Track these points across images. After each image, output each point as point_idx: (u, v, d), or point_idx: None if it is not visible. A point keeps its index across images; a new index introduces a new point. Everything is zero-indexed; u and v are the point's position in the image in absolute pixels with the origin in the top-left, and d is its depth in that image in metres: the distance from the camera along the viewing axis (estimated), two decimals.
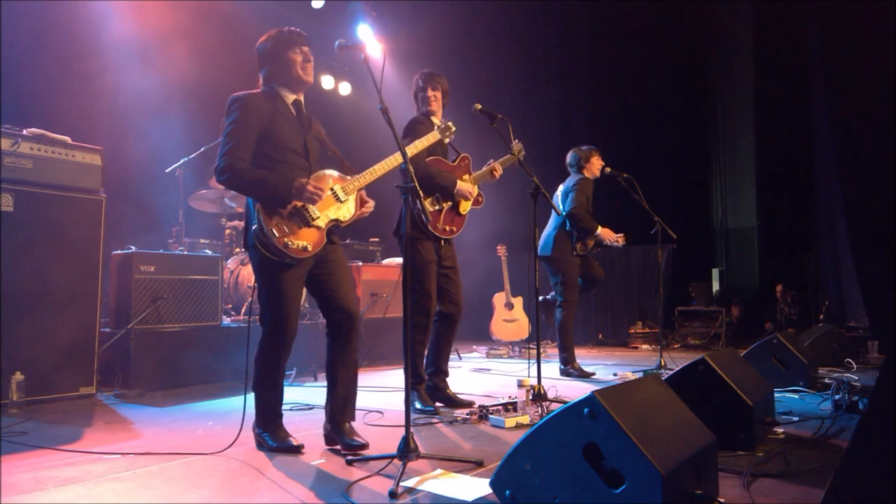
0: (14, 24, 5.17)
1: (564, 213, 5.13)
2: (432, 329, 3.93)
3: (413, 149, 3.33)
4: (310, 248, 2.74)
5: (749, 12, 8.62)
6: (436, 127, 3.59)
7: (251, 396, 2.88)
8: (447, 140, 3.66)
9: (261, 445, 2.81)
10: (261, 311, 2.79)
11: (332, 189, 2.83)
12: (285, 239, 2.67)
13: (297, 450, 2.73)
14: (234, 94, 2.77)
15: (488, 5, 8.89)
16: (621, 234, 5.41)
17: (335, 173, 2.89)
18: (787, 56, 7.79)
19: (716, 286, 8.42)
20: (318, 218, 2.77)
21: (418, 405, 3.72)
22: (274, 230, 2.65)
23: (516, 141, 4.12)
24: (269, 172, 2.69)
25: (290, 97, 2.87)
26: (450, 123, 3.59)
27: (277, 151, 2.75)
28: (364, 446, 2.69)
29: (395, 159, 2.92)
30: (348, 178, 2.89)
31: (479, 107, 3.76)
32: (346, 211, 2.88)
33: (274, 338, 2.76)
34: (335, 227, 2.87)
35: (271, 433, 2.79)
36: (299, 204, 2.72)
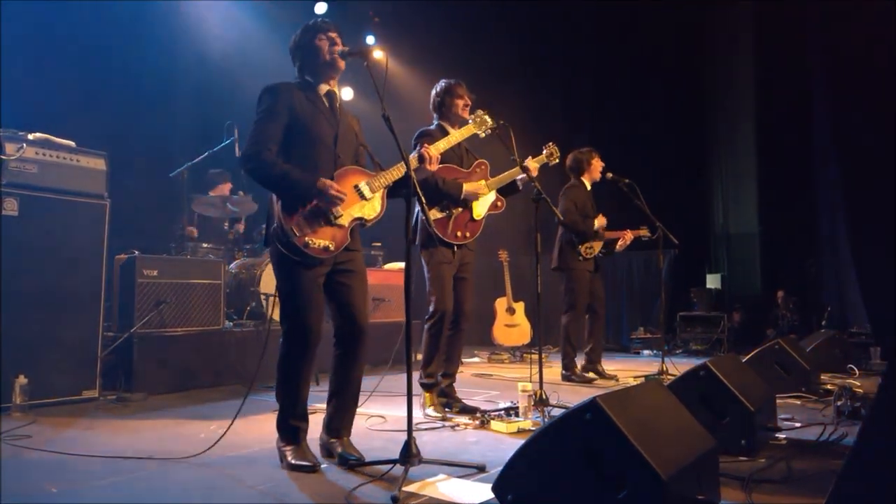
0: (18, 28, 5.20)
1: (558, 223, 5.19)
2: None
3: (445, 143, 3.22)
4: (331, 247, 2.64)
5: (750, 15, 8.62)
6: (470, 120, 3.49)
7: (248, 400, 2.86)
8: (483, 134, 3.50)
9: (281, 461, 2.67)
10: (280, 312, 2.69)
11: (356, 186, 2.72)
12: (306, 238, 2.57)
13: (311, 469, 2.56)
14: (267, 84, 2.72)
15: (490, 8, 8.91)
16: (627, 230, 5.43)
17: (362, 169, 2.80)
18: (789, 60, 7.79)
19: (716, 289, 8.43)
20: (341, 216, 2.66)
21: (430, 409, 3.72)
22: (294, 229, 2.56)
23: (551, 144, 4.11)
24: (293, 168, 2.60)
25: (324, 88, 2.80)
26: (486, 116, 3.47)
27: (306, 142, 2.68)
28: (360, 461, 2.62)
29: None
30: (374, 174, 2.78)
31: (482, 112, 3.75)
32: (370, 209, 2.75)
33: (294, 340, 2.65)
34: (359, 226, 2.76)
35: (292, 449, 2.65)
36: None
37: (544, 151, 4.09)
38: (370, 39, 8.35)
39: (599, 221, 5.30)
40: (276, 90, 2.69)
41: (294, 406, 2.69)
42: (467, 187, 3.79)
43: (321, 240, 2.62)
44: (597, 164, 5.42)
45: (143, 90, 6.04)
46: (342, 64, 2.80)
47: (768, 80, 8.38)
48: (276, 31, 6.48)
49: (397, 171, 2.76)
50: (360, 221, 2.74)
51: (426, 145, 2.88)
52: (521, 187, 3.99)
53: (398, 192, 2.83)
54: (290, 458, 2.61)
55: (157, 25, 6.40)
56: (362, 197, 2.73)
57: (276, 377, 2.71)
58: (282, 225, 2.57)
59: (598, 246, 5.36)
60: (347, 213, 2.69)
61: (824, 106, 7.08)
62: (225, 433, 2.86)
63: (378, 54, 7.35)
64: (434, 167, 2.87)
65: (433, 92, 3.99)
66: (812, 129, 7.84)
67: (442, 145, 3.15)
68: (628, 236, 5.46)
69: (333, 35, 2.78)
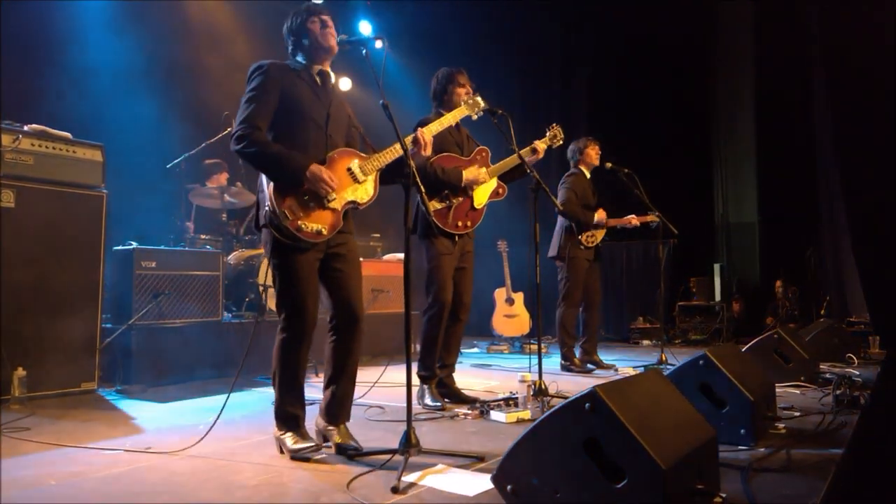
0: (15, 21, 5.15)
1: (559, 211, 5.17)
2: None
3: (437, 126, 3.16)
4: (325, 231, 2.62)
5: (751, 7, 8.58)
6: (462, 102, 3.46)
7: (251, 393, 2.85)
8: (475, 116, 3.47)
9: (281, 451, 2.65)
10: (277, 297, 2.67)
11: (349, 168, 2.70)
12: (299, 222, 2.55)
13: (316, 450, 2.57)
14: (257, 62, 2.69)
15: (489, 1, 8.86)
16: (632, 216, 5.44)
17: (354, 152, 2.77)
18: (790, 49, 7.76)
19: (717, 281, 8.42)
20: (334, 200, 2.64)
21: (428, 400, 3.71)
22: (287, 212, 2.54)
23: (555, 125, 4.09)
24: (284, 150, 2.57)
25: (316, 68, 2.78)
26: (478, 98, 3.44)
27: (297, 122, 2.66)
28: (358, 451, 2.62)
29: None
30: (367, 156, 2.76)
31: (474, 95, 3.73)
32: (363, 192, 2.74)
33: (292, 325, 2.63)
34: (352, 210, 2.74)
35: (291, 436, 2.63)
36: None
37: (548, 133, 4.08)
38: (366, 26, 8.27)
39: (599, 215, 5.27)
40: (267, 68, 2.66)
41: (292, 393, 2.68)
42: (467, 174, 3.76)
43: (314, 223, 2.60)
44: (591, 152, 5.39)
45: (142, 82, 6.00)
46: (334, 44, 2.76)
47: (769, 69, 8.35)
48: (272, 20, 6.43)
49: (391, 153, 2.75)
50: (354, 205, 2.72)
51: (420, 130, 2.86)
52: (528, 170, 3.93)
53: (395, 178, 2.81)
54: (290, 444, 2.60)
55: (153, 16, 6.35)
56: (355, 180, 2.71)
57: (273, 365, 2.69)
58: (274, 208, 2.54)
59: (600, 234, 5.35)
60: (341, 197, 2.66)
61: (825, 97, 7.06)
62: (214, 423, 2.83)
63: (377, 43, 7.31)
64: (428, 151, 2.84)
65: (433, 80, 3.96)
66: (812, 117, 7.82)
67: (434, 127, 3.10)
68: (634, 221, 5.45)
69: (325, 17, 2.76)
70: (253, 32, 6.96)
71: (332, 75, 2.85)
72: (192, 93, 6.48)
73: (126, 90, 5.81)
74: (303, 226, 2.57)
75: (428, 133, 2.88)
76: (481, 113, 3.46)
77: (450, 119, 3.33)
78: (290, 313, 2.64)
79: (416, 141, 2.80)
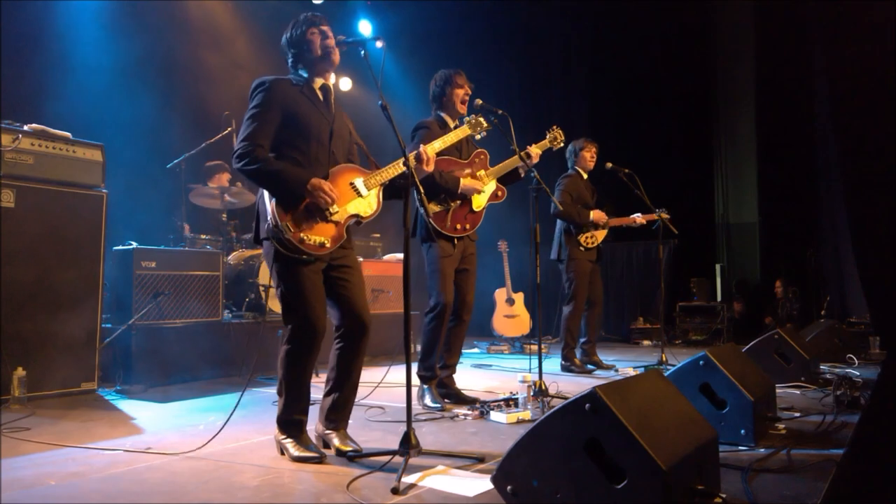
0: (16, 21, 5.16)
1: (553, 213, 5.18)
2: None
3: (441, 143, 3.17)
4: (327, 243, 2.61)
5: (751, 6, 8.59)
6: (465, 122, 3.49)
7: (249, 395, 2.84)
8: (479, 136, 3.53)
9: (282, 453, 2.65)
10: (284, 310, 2.64)
11: (352, 183, 2.72)
12: (301, 234, 2.55)
13: (319, 460, 2.56)
14: (259, 77, 2.68)
15: (488, 1, 8.85)
16: (638, 214, 5.43)
17: (357, 167, 2.79)
18: (790, 50, 7.77)
19: (717, 282, 8.43)
20: (337, 213, 2.63)
21: (428, 401, 3.71)
22: (289, 225, 2.54)
23: (555, 127, 4.10)
24: (285, 166, 2.57)
25: (318, 81, 2.78)
26: (481, 119, 3.48)
27: (300, 138, 2.65)
28: (358, 452, 2.62)
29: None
30: (370, 172, 2.78)
31: (480, 102, 3.73)
32: (366, 206, 2.75)
33: (303, 336, 2.61)
34: (355, 223, 2.75)
35: (294, 441, 2.63)
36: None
37: (548, 136, 4.08)
38: (366, 26, 8.27)
39: (596, 215, 5.25)
40: (268, 85, 2.65)
41: (298, 401, 2.68)
42: (465, 182, 3.76)
43: (316, 236, 2.60)
44: (586, 154, 5.38)
45: (142, 82, 6.00)
46: (336, 57, 2.76)
47: (769, 70, 8.34)
48: (273, 23, 6.44)
49: (393, 169, 2.75)
50: (356, 219, 2.73)
51: (423, 147, 2.88)
52: (522, 174, 3.96)
53: (396, 193, 2.84)
54: (293, 451, 2.60)
55: (153, 15, 6.36)
56: (358, 194, 2.72)
57: (279, 374, 2.67)
58: (276, 221, 2.53)
59: (601, 235, 5.34)
60: (343, 210, 2.67)
61: (826, 97, 7.06)
62: (222, 428, 2.84)
63: (377, 44, 7.31)
64: (430, 168, 2.88)
65: (432, 82, 3.95)
66: (813, 118, 7.82)
67: (437, 145, 3.13)
68: (640, 220, 5.44)
69: (325, 28, 2.75)
70: (253, 32, 6.97)
71: (333, 88, 2.85)
72: (193, 92, 6.48)
73: (126, 90, 5.82)
74: (305, 238, 2.57)
75: (431, 150, 2.90)
76: (484, 133, 3.50)
77: (452, 138, 3.34)
78: (297, 325, 2.62)
79: (419, 157, 2.82)
